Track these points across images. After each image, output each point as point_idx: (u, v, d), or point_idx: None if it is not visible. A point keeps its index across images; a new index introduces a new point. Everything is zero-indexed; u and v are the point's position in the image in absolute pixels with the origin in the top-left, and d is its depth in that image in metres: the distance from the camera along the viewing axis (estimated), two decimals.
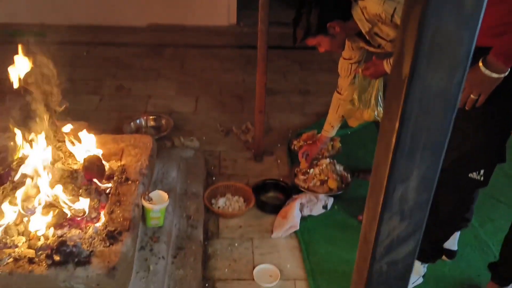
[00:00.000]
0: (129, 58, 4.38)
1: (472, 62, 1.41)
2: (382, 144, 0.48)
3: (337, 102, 2.49)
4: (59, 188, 1.82)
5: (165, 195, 2.03)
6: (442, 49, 0.43)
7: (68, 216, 1.78)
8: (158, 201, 1.99)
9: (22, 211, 1.74)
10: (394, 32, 1.97)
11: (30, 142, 1.94)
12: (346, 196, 2.59)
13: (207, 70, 4.22)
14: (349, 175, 2.66)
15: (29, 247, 1.63)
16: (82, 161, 2.04)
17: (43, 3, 4.80)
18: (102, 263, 1.55)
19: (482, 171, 1.68)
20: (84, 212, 1.80)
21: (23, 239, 1.67)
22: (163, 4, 5.01)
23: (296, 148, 2.94)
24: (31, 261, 1.55)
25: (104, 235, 1.67)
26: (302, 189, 2.56)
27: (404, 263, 0.54)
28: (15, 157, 2.00)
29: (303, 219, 2.41)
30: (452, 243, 2.16)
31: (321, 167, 2.65)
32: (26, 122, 1.93)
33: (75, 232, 1.72)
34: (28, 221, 1.72)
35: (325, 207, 2.49)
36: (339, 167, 2.70)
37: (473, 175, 1.69)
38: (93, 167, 1.98)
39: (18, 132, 1.95)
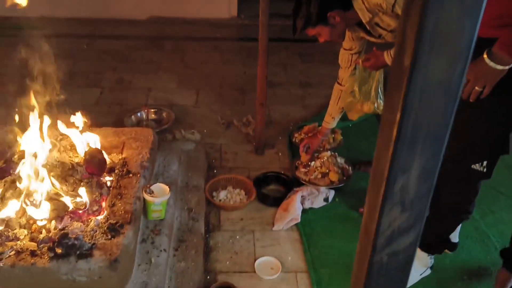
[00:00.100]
0: (130, 51, 4.37)
1: (476, 54, 1.40)
2: (383, 135, 0.48)
3: (338, 93, 2.48)
4: (60, 181, 1.82)
5: (166, 188, 2.03)
6: (443, 40, 0.43)
7: (70, 209, 1.79)
8: (159, 194, 2.00)
9: (23, 204, 1.75)
10: (395, 22, 1.96)
11: (30, 135, 1.94)
12: (347, 189, 2.59)
13: (207, 62, 4.21)
14: (350, 168, 2.66)
15: (31, 240, 1.64)
16: (83, 154, 2.04)
17: None
18: (104, 256, 1.56)
19: (485, 163, 1.67)
20: (86, 205, 1.80)
21: (25, 232, 1.68)
22: None
23: (297, 141, 2.93)
24: (33, 253, 1.56)
25: (105, 228, 1.67)
26: (303, 182, 2.57)
27: (405, 254, 0.54)
28: (16, 151, 2.00)
29: (304, 211, 2.41)
30: (453, 235, 2.16)
31: (322, 160, 2.64)
32: (26, 115, 1.93)
33: (76, 225, 1.72)
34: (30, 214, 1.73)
35: (326, 199, 2.49)
36: (340, 160, 2.69)
37: (476, 166, 1.69)
38: (94, 160, 1.98)
39: (18, 126, 1.95)
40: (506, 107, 1.60)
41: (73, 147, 2.11)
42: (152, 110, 3.26)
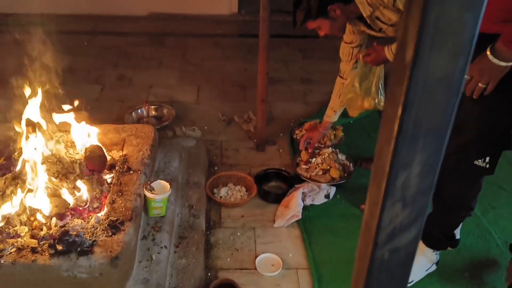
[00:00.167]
0: (130, 47, 4.37)
1: (480, 50, 1.40)
2: (384, 130, 0.47)
3: (340, 86, 2.48)
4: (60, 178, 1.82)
5: (167, 185, 2.03)
6: (445, 34, 0.42)
7: (70, 206, 1.79)
8: (160, 191, 2.00)
9: (24, 202, 1.75)
10: (396, 16, 1.95)
11: (31, 132, 1.94)
12: (348, 186, 2.59)
13: (208, 59, 4.21)
14: (351, 164, 2.66)
15: (32, 237, 1.64)
16: (83, 151, 2.04)
17: None
18: (104, 253, 1.56)
19: (487, 159, 1.67)
20: (86, 202, 1.80)
21: (26, 229, 1.68)
22: None
23: (298, 138, 2.93)
24: (34, 250, 1.56)
25: (106, 225, 1.67)
26: (304, 179, 2.56)
27: (406, 250, 0.54)
28: (16, 148, 2.00)
29: (305, 208, 2.41)
30: (455, 232, 2.16)
31: (323, 157, 2.64)
32: (27, 112, 1.93)
33: (77, 222, 1.72)
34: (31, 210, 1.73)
35: (327, 196, 2.49)
36: (342, 157, 2.69)
37: (479, 162, 1.68)
38: (95, 157, 1.98)
39: (18, 123, 1.95)
40: (509, 103, 1.60)
41: (73, 144, 2.11)
42: (153, 106, 3.26)
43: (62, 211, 1.76)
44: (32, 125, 1.94)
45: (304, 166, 2.63)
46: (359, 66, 2.31)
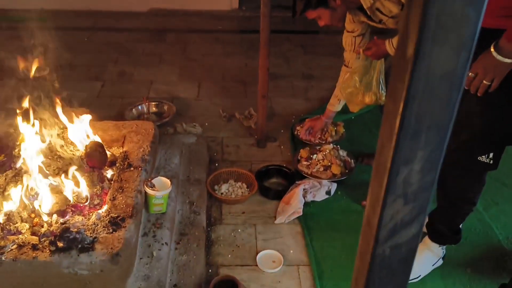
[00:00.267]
0: (131, 43, 4.36)
1: (483, 45, 1.38)
2: (386, 126, 0.47)
3: (345, 74, 2.47)
4: (61, 175, 1.82)
5: (168, 182, 2.03)
6: (447, 29, 0.42)
7: (71, 202, 1.79)
8: (161, 188, 1.99)
9: (24, 198, 1.75)
10: (397, 8, 1.94)
11: (31, 129, 1.94)
12: (349, 182, 2.58)
13: (209, 55, 4.20)
14: (352, 161, 2.65)
15: (33, 233, 1.64)
16: (83, 148, 2.04)
17: None
18: (105, 249, 1.56)
19: (491, 155, 1.67)
20: (87, 199, 1.80)
21: (27, 225, 1.68)
22: None
23: (299, 134, 2.93)
24: (34, 247, 1.56)
25: (107, 221, 1.67)
26: (305, 175, 2.56)
27: (408, 246, 0.53)
28: (17, 144, 1.99)
29: (306, 204, 2.40)
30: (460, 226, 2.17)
31: (324, 153, 2.64)
32: (27, 108, 1.93)
33: (78, 218, 1.72)
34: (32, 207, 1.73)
35: (328, 192, 2.49)
36: (343, 153, 2.68)
37: (483, 158, 1.68)
38: (95, 154, 1.98)
39: (19, 119, 1.95)
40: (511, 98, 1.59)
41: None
42: (153, 103, 3.25)
43: (63, 208, 1.76)
44: (33, 122, 1.94)
45: (305, 163, 2.63)
46: (361, 58, 2.30)
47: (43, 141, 1.95)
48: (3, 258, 1.52)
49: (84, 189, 1.81)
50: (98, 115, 2.31)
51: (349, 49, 2.38)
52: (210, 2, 5.09)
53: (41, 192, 1.77)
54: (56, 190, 1.81)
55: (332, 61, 3.98)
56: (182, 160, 2.51)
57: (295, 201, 2.36)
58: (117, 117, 2.98)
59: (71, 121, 2.05)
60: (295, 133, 2.96)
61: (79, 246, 1.55)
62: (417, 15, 0.41)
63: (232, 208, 2.41)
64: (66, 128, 2.09)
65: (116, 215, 1.70)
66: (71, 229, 1.59)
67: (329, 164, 2.57)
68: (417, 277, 2.01)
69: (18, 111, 1.93)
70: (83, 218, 1.73)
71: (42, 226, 1.67)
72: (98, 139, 2.08)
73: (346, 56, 2.44)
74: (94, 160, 1.97)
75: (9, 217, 1.70)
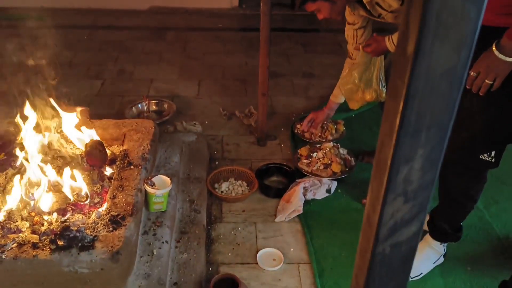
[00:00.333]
0: (131, 41, 4.36)
1: (484, 43, 1.37)
2: (386, 124, 0.47)
3: (349, 65, 2.46)
4: (61, 172, 1.82)
5: (168, 180, 2.03)
6: (448, 26, 0.42)
7: (71, 201, 1.79)
8: (161, 186, 1.99)
9: (24, 197, 1.75)
10: (396, 3, 1.93)
11: (31, 128, 1.94)
12: (349, 180, 2.58)
13: (209, 53, 4.20)
14: (353, 159, 2.65)
15: (33, 232, 1.64)
16: (83, 147, 2.04)
17: None
18: (105, 248, 1.56)
19: (493, 153, 1.67)
20: (87, 197, 1.80)
21: (27, 224, 1.68)
22: None
23: (299, 132, 2.93)
24: (35, 246, 1.56)
25: (107, 220, 1.67)
26: (306, 173, 2.56)
27: (408, 245, 0.53)
28: (17, 143, 1.99)
29: (307, 203, 2.40)
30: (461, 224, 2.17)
31: (324, 151, 2.63)
32: (27, 107, 1.93)
33: (78, 217, 1.72)
34: (31, 205, 1.73)
35: (328, 191, 2.49)
36: (343, 151, 2.68)
37: (484, 156, 1.68)
38: (95, 152, 1.98)
39: (19, 118, 1.95)
40: None
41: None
42: (153, 101, 3.25)
43: (63, 206, 1.76)
44: (33, 120, 1.94)
45: (305, 161, 2.63)
46: (360, 55, 2.30)
47: (43, 139, 1.95)
48: (3, 257, 1.52)
49: (82, 184, 1.81)
50: (98, 114, 2.32)
51: (351, 41, 2.37)
52: (210, 0, 5.09)
53: (41, 191, 1.77)
54: (56, 189, 1.81)
55: (333, 59, 3.98)
56: (182, 159, 2.51)
57: (295, 199, 2.36)
58: (117, 115, 2.98)
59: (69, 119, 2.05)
60: (295, 131, 2.96)
61: (80, 244, 1.55)
62: (418, 13, 0.41)
63: (232, 206, 2.41)
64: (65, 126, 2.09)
65: (116, 214, 1.70)
66: (71, 228, 1.59)
67: (329, 162, 2.57)
68: (419, 275, 2.02)
69: (18, 109, 1.93)
70: (83, 216, 1.73)
71: (43, 225, 1.67)
72: (94, 135, 2.07)
73: (349, 48, 2.43)
74: (94, 158, 1.97)
75: (9, 215, 1.70)
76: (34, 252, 1.54)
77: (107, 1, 4.95)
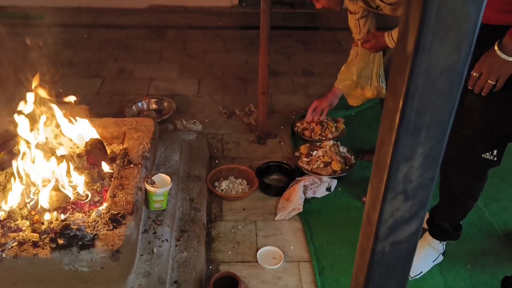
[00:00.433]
0: (131, 40, 4.35)
1: (487, 42, 1.37)
2: (386, 122, 0.47)
3: (355, 53, 2.46)
4: (62, 172, 1.82)
5: (168, 178, 2.03)
6: (447, 24, 0.42)
7: (71, 200, 1.79)
8: (161, 185, 1.99)
9: (25, 196, 1.75)
10: None
11: (31, 126, 1.93)
12: (349, 178, 2.58)
13: (209, 51, 4.19)
14: (353, 157, 2.65)
15: (33, 230, 1.64)
16: (82, 145, 2.04)
17: None
18: (106, 246, 1.56)
19: (495, 151, 1.67)
20: (87, 196, 1.80)
21: (27, 223, 1.68)
22: None
23: (299, 130, 2.93)
24: (35, 244, 1.56)
25: (107, 218, 1.67)
26: (306, 171, 2.56)
27: (408, 243, 0.53)
28: (17, 142, 1.99)
29: (307, 201, 2.40)
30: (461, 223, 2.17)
31: (324, 149, 2.63)
32: (27, 106, 1.93)
33: (78, 215, 1.72)
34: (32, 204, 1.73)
35: (328, 189, 2.49)
36: (343, 149, 2.68)
37: (486, 155, 1.68)
38: (95, 151, 1.98)
39: (19, 116, 1.95)
40: None
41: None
42: (153, 100, 3.25)
43: (63, 205, 1.76)
44: (32, 119, 1.94)
45: (305, 159, 2.63)
46: (359, 52, 2.29)
47: (43, 138, 1.95)
48: (4, 255, 1.52)
49: (79, 183, 1.81)
50: (98, 112, 2.31)
51: (355, 31, 2.37)
52: None
53: (41, 190, 1.77)
54: (56, 187, 1.81)
55: (333, 58, 3.98)
56: (182, 157, 2.51)
57: (296, 197, 2.36)
58: (117, 114, 2.98)
59: (68, 118, 2.05)
60: (295, 129, 2.96)
61: (80, 243, 1.55)
62: (417, 10, 0.41)
63: (232, 205, 2.41)
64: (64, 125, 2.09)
65: (116, 212, 1.70)
66: (71, 226, 1.60)
67: (330, 160, 2.57)
68: (419, 274, 2.02)
69: (18, 108, 1.93)
70: (84, 215, 1.73)
71: (43, 223, 1.67)
72: (95, 134, 2.07)
73: (354, 36, 2.43)
74: (94, 157, 1.97)
75: (9, 214, 1.70)
76: (35, 251, 1.54)
77: (107, 0, 4.95)
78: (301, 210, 2.33)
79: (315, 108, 2.72)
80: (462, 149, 1.70)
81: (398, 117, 0.45)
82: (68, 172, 1.85)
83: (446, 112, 0.45)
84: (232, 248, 2.15)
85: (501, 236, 2.25)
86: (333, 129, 2.88)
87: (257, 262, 2.07)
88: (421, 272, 2.02)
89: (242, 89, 3.57)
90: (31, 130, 1.92)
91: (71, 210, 1.76)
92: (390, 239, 0.53)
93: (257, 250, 2.12)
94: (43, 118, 1.95)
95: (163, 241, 1.88)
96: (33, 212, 1.73)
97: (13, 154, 1.96)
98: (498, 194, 2.51)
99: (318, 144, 2.70)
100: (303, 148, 2.68)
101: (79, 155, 2.00)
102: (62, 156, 1.92)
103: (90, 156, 1.97)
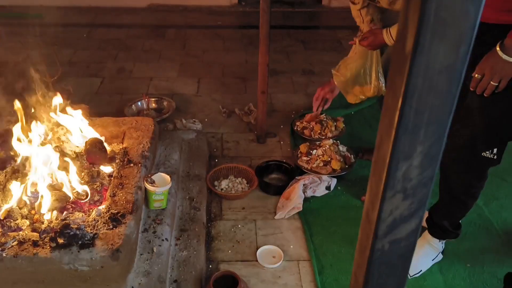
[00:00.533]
0: (130, 39, 4.35)
1: (486, 40, 1.37)
2: (385, 121, 0.47)
3: (353, 51, 2.46)
4: (62, 171, 1.82)
5: (168, 178, 2.03)
6: (446, 23, 0.42)
7: (71, 199, 1.79)
8: (161, 184, 1.99)
9: (24, 195, 1.75)
10: None
11: (30, 125, 1.94)
12: (349, 177, 2.59)
13: (209, 51, 4.19)
14: (352, 156, 2.65)
15: (33, 230, 1.64)
16: (81, 145, 2.04)
17: None
18: (105, 246, 1.56)
19: (495, 150, 1.67)
20: (87, 195, 1.80)
21: (27, 222, 1.68)
22: None
23: (298, 129, 2.93)
24: (35, 244, 1.56)
25: (107, 217, 1.67)
26: (305, 170, 2.56)
27: (407, 241, 0.53)
28: (16, 140, 1.99)
29: (306, 200, 2.41)
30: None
31: (324, 148, 2.63)
32: (26, 104, 1.93)
33: (78, 215, 1.72)
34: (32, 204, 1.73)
35: (328, 188, 2.49)
36: (342, 148, 2.68)
37: (487, 154, 1.68)
38: (95, 150, 1.98)
39: (18, 116, 1.95)
40: None
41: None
42: (153, 99, 3.25)
43: (63, 205, 1.76)
44: (32, 118, 1.94)
45: (305, 158, 2.63)
46: (357, 50, 2.29)
47: (42, 137, 1.95)
48: (4, 255, 1.52)
49: (76, 184, 1.81)
50: (98, 112, 2.31)
51: (358, 21, 2.37)
52: None
53: (41, 189, 1.77)
54: (56, 187, 1.81)
55: (333, 57, 3.97)
56: (182, 156, 2.51)
57: (295, 196, 2.36)
58: (117, 113, 2.98)
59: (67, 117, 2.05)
60: (295, 128, 2.96)
61: (80, 242, 1.55)
62: (416, 9, 0.41)
63: (232, 204, 2.41)
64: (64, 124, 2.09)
65: (116, 211, 1.70)
66: (71, 226, 1.60)
67: (329, 159, 2.57)
68: (418, 272, 2.02)
69: (17, 107, 1.93)
70: (83, 214, 1.73)
71: (43, 223, 1.67)
72: (94, 133, 2.07)
73: (359, 26, 2.43)
74: (94, 156, 1.97)
75: (9, 213, 1.70)
76: (35, 250, 1.54)
77: None
78: (301, 209, 2.33)
79: (317, 96, 2.71)
80: (463, 148, 1.70)
81: (397, 115, 0.45)
82: (68, 171, 1.85)
83: (445, 111, 0.45)
84: (231, 247, 2.15)
85: (501, 235, 2.26)
86: (333, 128, 2.88)
87: (256, 261, 2.07)
88: (421, 270, 2.03)
89: (241, 88, 3.57)
90: (31, 130, 1.92)
91: (71, 209, 1.76)
92: (389, 238, 0.53)
93: (257, 249, 2.12)
94: (43, 119, 1.95)
95: (163, 240, 1.88)
96: (33, 211, 1.73)
97: (12, 153, 1.96)
98: (497, 192, 2.52)
99: (317, 143, 2.70)
100: (303, 147, 2.68)
101: (79, 155, 2.00)
102: (63, 156, 1.92)
103: (90, 155, 1.97)
